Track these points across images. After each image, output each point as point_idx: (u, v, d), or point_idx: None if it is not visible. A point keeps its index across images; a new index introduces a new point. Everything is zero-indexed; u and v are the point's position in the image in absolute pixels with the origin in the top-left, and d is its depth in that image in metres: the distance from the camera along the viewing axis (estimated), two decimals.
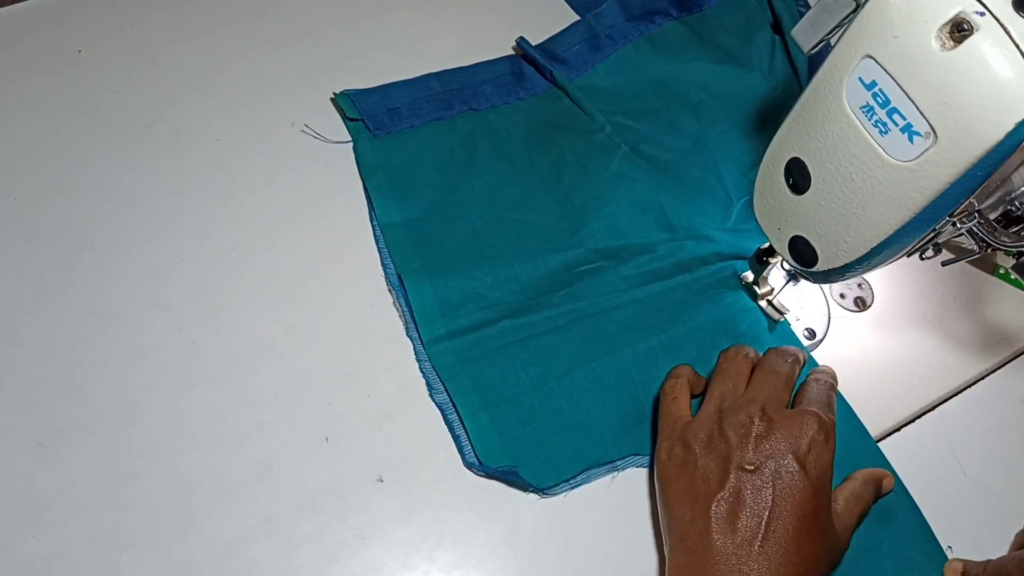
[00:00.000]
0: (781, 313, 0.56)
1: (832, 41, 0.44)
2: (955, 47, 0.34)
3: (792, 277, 0.56)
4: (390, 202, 0.58)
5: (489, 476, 0.51)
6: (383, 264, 0.57)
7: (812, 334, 0.58)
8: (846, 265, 0.44)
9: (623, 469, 0.52)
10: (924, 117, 0.36)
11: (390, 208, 0.58)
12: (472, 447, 0.51)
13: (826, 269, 0.46)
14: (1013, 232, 0.41)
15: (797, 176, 0.44)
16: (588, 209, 0.59)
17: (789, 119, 0.44)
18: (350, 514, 0.49)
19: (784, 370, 0.50)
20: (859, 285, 0.60)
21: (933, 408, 0.57)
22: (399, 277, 0.55)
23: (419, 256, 0.56)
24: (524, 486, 0.51)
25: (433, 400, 0.53)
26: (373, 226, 0.58)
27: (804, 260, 0.47)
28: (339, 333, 0.54)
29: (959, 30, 0.34)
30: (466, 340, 0.54)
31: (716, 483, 0.44)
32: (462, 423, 0.52)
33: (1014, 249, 0.41)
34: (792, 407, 0.48)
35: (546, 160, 0.62)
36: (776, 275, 0.57)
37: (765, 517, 0.42)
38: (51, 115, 0.59)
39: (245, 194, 0.58)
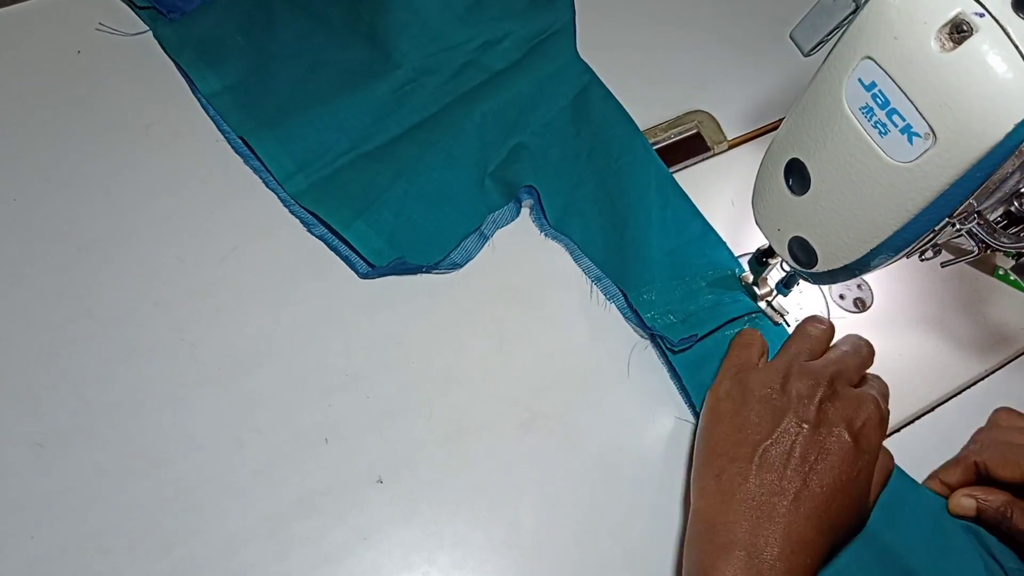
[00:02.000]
0: (781, 314, 0.56)
1: (831, 42, 0.44)
2: (954, 48, 0.34)
3: (785, 284, 0.56)
4: (206, 73, 0.61)
5: (384, 275, 0.55)
6: (221, 131, 0.59)
7: None
8: (846, 266, 0.44)
9: (490, 234, 0.58)
10: (923, 118, 0.35)
11: (208, 78, 0.61)
12: (360, 256, 0.55)
13: (826, 270, 0.46)
14: (1012, 233, 0.41)
15: (796, 177, 0.44)
16: (391, 33, 0.63)
17: (788, 120, 0.44)
18: (350, 515, 0.49)
19: (863, 352, 0.51)
20: (859, 286, 0.60)
21: (933, 409, 0.57)
22: (243, 140, 0.58)
23: (253, 116, 0.59)
24: (416, 269, 0.56)
25: (313, 234, 0.57)
26: (198, 99, 0.60)
27: (804, 261, 0.47)
28: (339, 334, 0.54)
29: (958, 31, 0.34)
30: (323, 172, 0.58)
31: (767, 430, 0.45)
32: (344, 241, 0.56)
33: (1013, 250, 0.41)
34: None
35: (340, 3, 0.65)
36: (776, 276, 0.57)
37: (805, 470, 0.44)
38: (50, 116, 0.59)
39: (244, 195, 0.58)
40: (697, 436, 0.49)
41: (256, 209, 0.58)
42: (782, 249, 0.48)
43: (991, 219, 0.41)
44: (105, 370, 0.52)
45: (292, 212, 0.57)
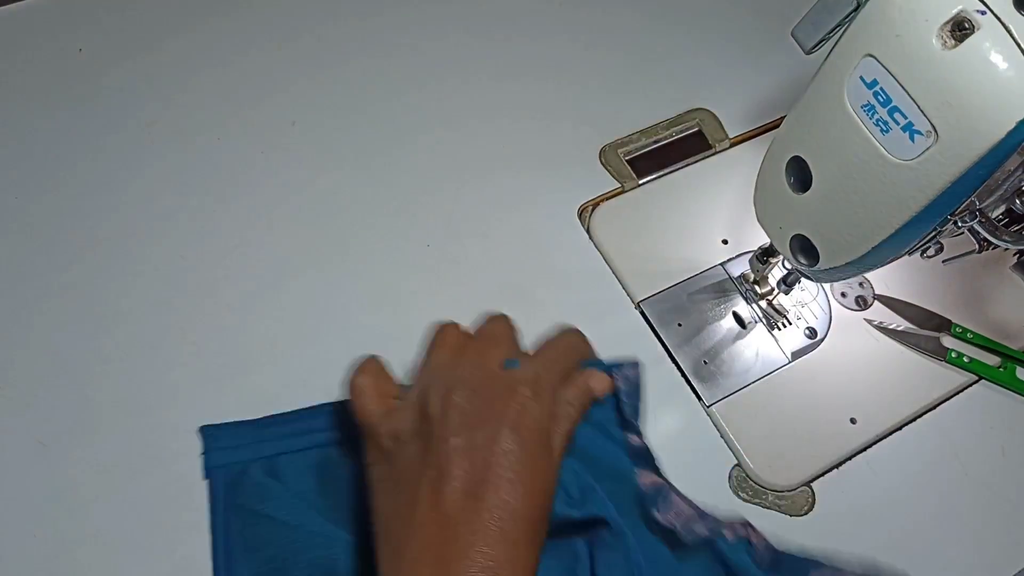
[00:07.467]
0: (781, 314, 0.56)
1: (833, 40, 0.44)
2: (956, 46, 0.34)
3: (787, 282, 0.56)
4: None
5: None
6: None
7: (813, 333, 0.58)
8: (847, 264, 0.44)
9: None
10: (925, 116, 0.35)
11: None
12: None
13: (827, 268, 0.46)
14: (1014, 231, 0.41)
15: (798, 175, 0.44)
16: None
17: (790, 118, 0.44)
18: None
19: (502, 334, 0.45)
20: (860, 284, 0.60)
21: (935, 407, 0.57)
22: None
23: None
24: None
25: None
26: None
27: (805, 259, 0.47)
28: (341, 331, 0.54)
29: (960, 29, 0.34)
30: None
31: (420, 464, 0.39)
32: None
33: (1015, 248, 0.41)
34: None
35: None
36: (777, 275, 0.57)
37: (475, 482, 0.37)
38: (52, 114, 0.59)
39: (246, 193, 0.58)
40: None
41: (257, 207, 0.58)
42: (783, 247, 0.48)
43: (993, 217, 0.41)
44: (106, 368, 0.52)
45: None
